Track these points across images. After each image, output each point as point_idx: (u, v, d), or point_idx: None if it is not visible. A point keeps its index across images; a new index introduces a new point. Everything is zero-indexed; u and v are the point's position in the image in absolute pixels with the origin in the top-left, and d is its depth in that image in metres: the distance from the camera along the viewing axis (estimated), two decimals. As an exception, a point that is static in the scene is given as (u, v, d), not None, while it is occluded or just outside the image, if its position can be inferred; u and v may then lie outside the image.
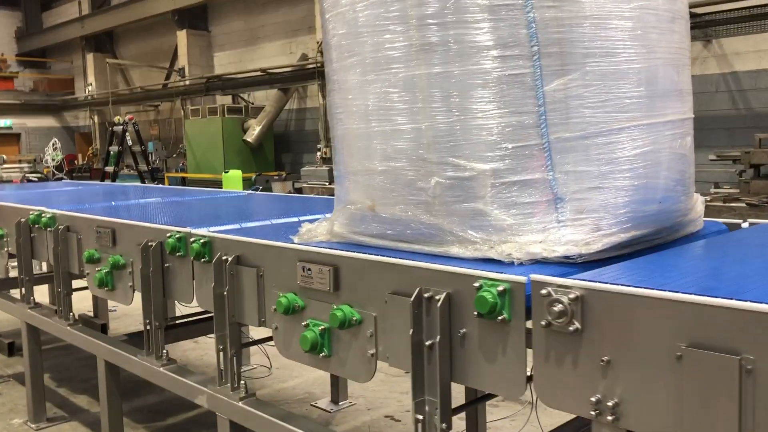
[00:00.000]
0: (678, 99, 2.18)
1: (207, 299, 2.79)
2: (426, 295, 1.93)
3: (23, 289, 4.29)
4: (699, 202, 2.43)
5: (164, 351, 3.08)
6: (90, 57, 23.28)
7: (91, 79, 23.24)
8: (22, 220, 4.15)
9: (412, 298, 1.93)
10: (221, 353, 2.71)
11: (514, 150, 1.95)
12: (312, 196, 5.48)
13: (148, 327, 3.11)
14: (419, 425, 1.94)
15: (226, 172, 10.37)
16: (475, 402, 2.33)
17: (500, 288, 1.74)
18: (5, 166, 18.32)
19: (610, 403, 1.56)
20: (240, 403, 2.62)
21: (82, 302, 5.84)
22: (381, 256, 2.11)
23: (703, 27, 9.33)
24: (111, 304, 6.80)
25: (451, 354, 1.90)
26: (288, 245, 2.41)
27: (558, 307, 1.61)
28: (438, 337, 1.88)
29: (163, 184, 15.03)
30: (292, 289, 2.39)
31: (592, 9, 1.93)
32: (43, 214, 3.95)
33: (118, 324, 6.86)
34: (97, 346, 3.50)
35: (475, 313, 1.79)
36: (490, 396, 2.40)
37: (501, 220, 1.98)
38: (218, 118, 15.47)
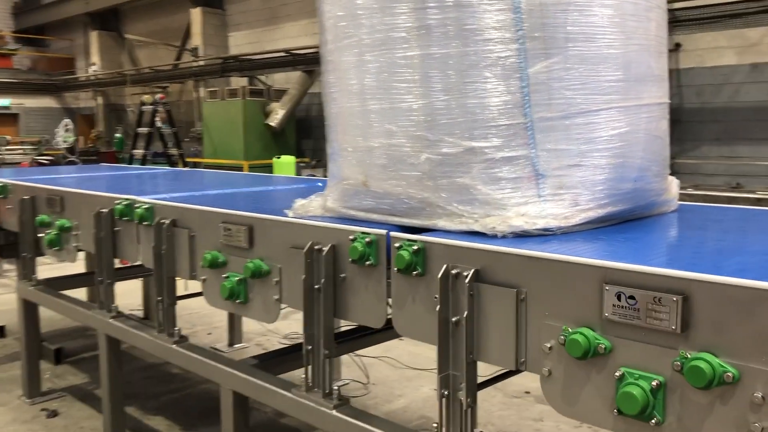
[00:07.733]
0: (654, 84, 2.28)
1: (415, 325, 2.09)
2: None
3: (102, 294, 3.56)
4: (674, 185, 2.58)
5: (336, 388, 2.38)
6: (94, 35, 22.20)
7: (95, 58, 22.19)
8: (103, 210, 3.42)
9: None
10: (444, 399, 2.01)
11: (500, 129, 2.04)
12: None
13: (311, 355, 2.40)
14: None
15: (278, 158, 9.62)
16: None
17: None
18: (8, 147, 17.39)
19: None
20: (483, 473, 1.93)
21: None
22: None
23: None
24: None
25: None
26: (585, 260, 1.71)
27: None
28: None
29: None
30: (586, 322, 1.70)
31: None
32: (135, 204, 3.22)
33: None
34: (223, 373, 2.77)
35: None
36: None
37: (486, 194, 2.07)
38: (239, 100, 14.53)
